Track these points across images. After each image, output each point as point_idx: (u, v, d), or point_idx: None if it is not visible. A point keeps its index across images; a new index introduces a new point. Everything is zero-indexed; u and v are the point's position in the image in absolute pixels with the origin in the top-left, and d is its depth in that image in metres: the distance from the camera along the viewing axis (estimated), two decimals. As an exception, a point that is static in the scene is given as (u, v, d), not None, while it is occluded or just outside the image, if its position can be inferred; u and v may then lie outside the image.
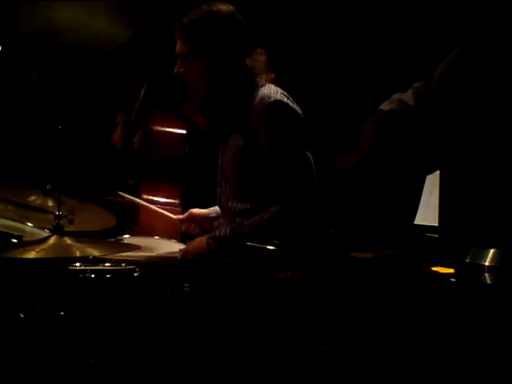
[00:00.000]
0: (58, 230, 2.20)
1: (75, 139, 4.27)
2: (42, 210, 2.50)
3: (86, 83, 5.01)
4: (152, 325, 2.26)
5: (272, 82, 2.54)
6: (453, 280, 1.69)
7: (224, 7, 2.49)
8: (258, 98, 2.46)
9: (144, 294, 2.36)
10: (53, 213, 2.24)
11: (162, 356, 2.20)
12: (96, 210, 2.69)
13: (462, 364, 1.52)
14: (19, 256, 2.14)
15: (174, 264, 2.52)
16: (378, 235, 2.07)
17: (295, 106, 2.48)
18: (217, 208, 2.79)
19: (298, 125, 2.46)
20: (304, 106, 2.53)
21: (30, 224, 2.47)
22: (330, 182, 2.09)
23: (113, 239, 2.69)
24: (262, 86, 2.51)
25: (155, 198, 4.10)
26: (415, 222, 2.41)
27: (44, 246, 2.11)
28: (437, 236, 2.07)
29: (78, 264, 2.37)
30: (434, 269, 1.75)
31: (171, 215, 2.83)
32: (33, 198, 2.56)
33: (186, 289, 2.33)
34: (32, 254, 2.06)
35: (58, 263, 2.34)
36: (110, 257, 2.43)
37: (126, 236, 2.82)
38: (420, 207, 2.43)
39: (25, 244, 2.31)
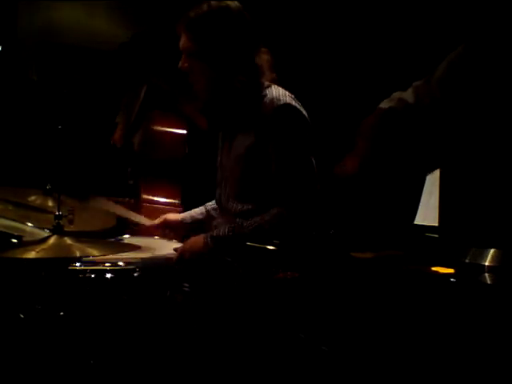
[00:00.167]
0: (57, 230, 2.20)
1: (75, 139, 4.27)
2: (42, 209, 2.50)
3: (86, 83, 5.02)
4: (152, 325, 2.26)
5: (274, 81, 2.53)
6: (453, 280, 1.69)
7: (232, 3, 2.46)
8: (267, 100, 2.44)
9: (144, 294, 2.35)
10: (53, 213, 2.24)
11: (162, 356, 2.19)
12: (96, 210, 2.69)
13: (462, 364, 1.52)
14: (19, 256, 2.13)
15: (170, 264, 2.52)
16: (377, 235, 2.06)
17: (302, 110, 2.48)
18: (192, 213, 2.80)
19: (306, 129, 2.46)
20: (304, 106, 2.53)
21: (30, 224, 2.46)
22: (331, 184, 2.09)
23: (113, 239, 2.69)
24: (267, 87, 2.49)
25: (155, 198, 4.10)
26: (415, 222, 2.41)
27: (44, 246, 2.11)
28: (437, 236, 2.07)
29: (78, 264, 2.37)
30: (433, 269, 1.75)
31: (145, 221, 2.81)
32: (33, 197, 2.56)
33: (186, 289, 2.33)
34: (32, 254, 2.06)
35: (58, 263, 2.34)
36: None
37: (126, 236, 2.82)
38: (420, 207, 2.42)
39: (25, 244, 2.31)
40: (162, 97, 4.27)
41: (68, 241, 2.16)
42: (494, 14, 1.91)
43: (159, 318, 2.27)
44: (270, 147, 2.40)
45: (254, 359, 1.93)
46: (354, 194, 1.97)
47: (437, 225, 2.11)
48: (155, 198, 4.09)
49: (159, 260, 2.57)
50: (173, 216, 2.83)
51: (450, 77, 1.94)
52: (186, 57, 2.48)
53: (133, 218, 2.83)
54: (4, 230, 2.41)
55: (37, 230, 2.45)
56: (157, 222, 2.79)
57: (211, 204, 2.80)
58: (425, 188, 2.43)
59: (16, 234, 2.43)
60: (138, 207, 3.96)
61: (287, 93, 2.49)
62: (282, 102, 2.42)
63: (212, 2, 2.45)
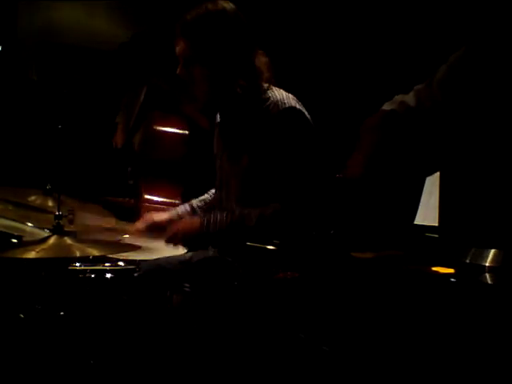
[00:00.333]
0: (57, 230, 2.20)
1: (75, 139, 4.27)
2: (42, 210, 2.50)
3: (86, 83, 5.01)
4: (152, 325, 2.26)
5: (271, 83, 2.52)
6: (453, 280, 1.69)
7: (227, 5, 2.44)
8: (270, 103, 2.43)
9: (144, 294, 2.35)
10: (53, 213, 2.24)
11: (162, 356, 2.20)
12: (96, 210, 2.69)
13: (462, 364, 1.52)
14: (19, 256, 2.13)
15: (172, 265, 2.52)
16: (378, 235, 2.06)
17: (305, 112, 2.47)
18: (178, 211, 2.74)
19: (310, 131, 2.45)
20: (305, 108, 2.53)
21: (30, 224, 2.47)
22: (335, 185, 2.08)
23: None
24: (268, 90, 2.48)
25: (156, 198, 4.10)
26: (415, 222, 2.41)
27: (44, 246, 2.11)
28: (437, 236, 2.07)
29: (78, 264, 2.37)
30: (434, 269, 1.75)
31: (131, 228, 2.67)
32: (33, 198, 2.56)
33: (186, 289, 2.33)
34: (32, 254, 2.06)
35: (58, 263, 2.34)
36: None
37: (126, 236, 2.82)
38: (420, 207, 2.42)
39: (25, 244, 2.31)
40: (163, 97, 4.27)
41: (68, 241, 2.16)
42: (495, 16, 1.91)
43: (159, 318, 2.27)
44: (275, 150, 2.39)
45: (254, 359, 1.93)
46: (356, 195, 1.96)
47: (437, 225, 2.11)
48: (155, 198, 4.08)
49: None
50: (159, 216, 2.71)
51: (451, 79, 1.94)
52: (185, 63, 2.45)
53: (117, 228, 2.68)
54: (4, 229, 2.42)
55: (37, 230, 2.45)
56: (143, 226, 2.66)
57: (197, 201, 2.79)
58: (425, 188, 2.43)
59: (16, 233, 2.43)
60: (138, 207, 3.96)
61: (290, 95, 2.48)
62: (287, 105, 2.41)
63: (208, 5, 2.42)
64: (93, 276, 2.35)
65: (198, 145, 4.17)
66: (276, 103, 2.42)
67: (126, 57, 4.45)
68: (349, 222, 2.01)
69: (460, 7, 2.64)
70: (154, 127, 4.20)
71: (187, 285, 2.33)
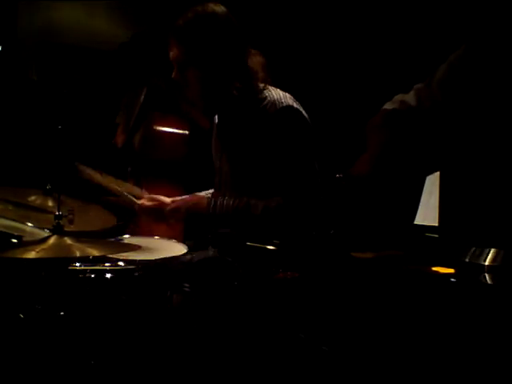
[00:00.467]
0: (57, 230, 2.20)
1: (75, 139, 4.26)
2: (42, 209, 2.50)
3: (86, 83, 5.01)
4: (152, 325, 2.26)
5: (267, 82, 2.52)
6: (453, 280, 1.69)
7: (218, 8, 2.46)
8: (267, 103, 2.44)
9: (144, 294, 2.35)
10: (53, 213, 2.24)
11: (162, 356, 2.19)
12: (96, 209, 2.69)
13: (462, 364, 1.52)
14: (19, 256, 2.13)
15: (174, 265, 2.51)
16: (378, 235, 2.06)
17: (303, 111, 2.48)
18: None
19: (308, 130, 2.46)
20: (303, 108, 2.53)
21: (30, 224, 2.46)
22: (336, 185, 2.08)
23: (113, 239, 2.68)
24: (264, 89, 2.49)
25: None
26: (415, 222, 2.41)
27: (44, 246, 2.11)
28: (437, 236, 2.07)
29: (78, 264, 2.37)
30: (434, 269, 1.75)
31: (136, 193, 2.73)
32: (33, 197, 2.56)
33: (186, 289, 2.33)
34: (32, 254, 2.06)
35: (58, 263, 2.34)
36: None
37: (126, 236, 2.82)
38: (420, 207, 2.43)
39: (25, 244, 2.31)
40: (163, 97, 4.27)
41: (68, 241, 2.16)
42: (495, 15, 1.91)
43: (159, 318, 2.27)
44: (273, 149, 2.40)
45: (254, 359, 1.93)
46: (361, 193, 1.96)
47: (437, 225, 2.11)
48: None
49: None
50: (165, 198, 2.74)
51: (451, 79, 1.94)
52: (179, 67, 2.49)
53: (120, 190, 2.73)
54: (4, 229, 2.41)
55: (37, 230, 2.44)
56: (148, 201, 2.68)
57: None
58: (425, 188, 2.43)
59: (16, 233, 2.43)
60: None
61: (287, 94, 2.49)
62: (284, 104, 2.42)
63: (198, 9, 2.45)
64: (93, 276, 2.35)
65: (198, 145, 4.17)
66: (273, 103, 2.43)
67: (126, 57, 4.45)
68: (349, 221, 2.01)
69: (460, 7, 2.64)
70: (154, 127, 4.20)
71: (187, 285, 2.33)
